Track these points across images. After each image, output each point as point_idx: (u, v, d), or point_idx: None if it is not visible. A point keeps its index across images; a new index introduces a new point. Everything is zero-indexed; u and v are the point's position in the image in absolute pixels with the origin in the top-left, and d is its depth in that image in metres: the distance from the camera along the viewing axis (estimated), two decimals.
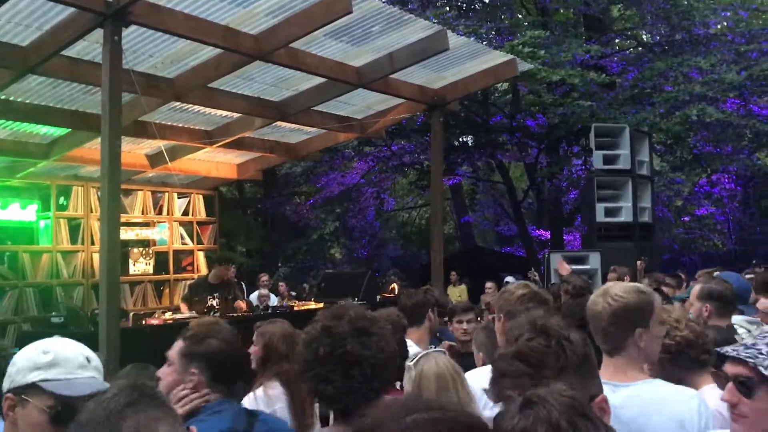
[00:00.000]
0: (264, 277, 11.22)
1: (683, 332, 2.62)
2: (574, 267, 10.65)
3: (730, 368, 1.76)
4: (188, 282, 9.50)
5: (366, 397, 1.78)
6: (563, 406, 1.15)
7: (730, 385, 1.76)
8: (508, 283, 10.17)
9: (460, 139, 17.10)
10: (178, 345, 2.41)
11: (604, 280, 10.20)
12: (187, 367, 2.33)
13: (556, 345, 1.49)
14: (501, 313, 2.84)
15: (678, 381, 2.27)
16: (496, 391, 1.58)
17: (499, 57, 8.25)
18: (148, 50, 6.60)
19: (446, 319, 4.59)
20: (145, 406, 1.44)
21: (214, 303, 7.39)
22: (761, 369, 1.65)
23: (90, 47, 6.32)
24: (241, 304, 7.94)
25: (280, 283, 12.10)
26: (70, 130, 8.38)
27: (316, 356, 1.80)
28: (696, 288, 3.90)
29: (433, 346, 3.40)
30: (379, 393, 1.82)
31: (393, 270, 15.55)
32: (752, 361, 1.68)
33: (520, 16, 17.33)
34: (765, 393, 1.67)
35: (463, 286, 13.19)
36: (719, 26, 16.11)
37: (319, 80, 7.73)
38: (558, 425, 1.12)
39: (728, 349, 1.77)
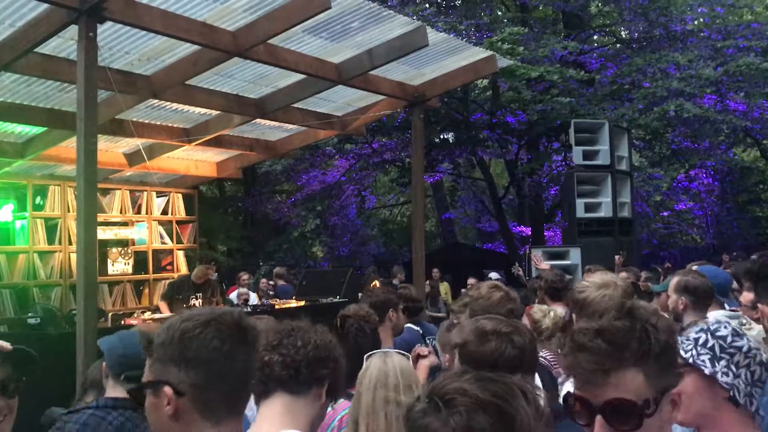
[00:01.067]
0: (244, 276, 11.16)
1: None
2: (555, 262, 10.71)
3: None
4: (169, 281, 9.42)
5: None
6: (479, 384, 1.15)
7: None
8: (492, 279, 10.20)
9: (441, 136, 17.12)
10: None
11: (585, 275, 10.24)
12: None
13: (641, 329, 1.43)
14: (467, 309, 2.80)
15: None
16: (569, 364, 1.53)
17: (479, 53, 8.25)
18: (124, 47, 6.52)
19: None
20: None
21: (197, 303, 7.34)
22: (682, 353, 1.73)
23: (65, 44, 6.22)
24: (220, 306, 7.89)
25: (262, 280, 12.02)
26: (45, 128, 8.26)
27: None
28: (674, 280, 3.91)
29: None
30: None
31: (371, 267, 15.52)
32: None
33: (499, 13, 17.39)
34: (688, 377, 1.72)
35: (446, 284, 13.20)
36: (696, 22, 16.29)
37: (299, 77, 7.68)
38: (489, 403, 1.12)
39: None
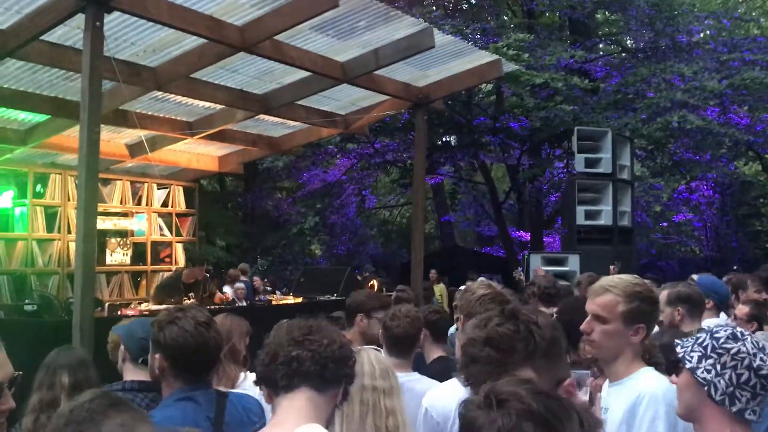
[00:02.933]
0: (241, 267, 11.18)
1: None
2: (553, 269, 10.72)
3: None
4: (156, 284, 9.35)
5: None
6: (536, 395, 1.17)
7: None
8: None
9: (444, 139, 17.14)
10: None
11: None
12: (154, 353, 2.42)
13: (525, 330, 1.50)
14: (461, 313, 2.81)
15: None
16: (465, 375, 1.61)
17: (485, 57, 8.25)
18: (130, 38, 6.51)
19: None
20: (126, 409, 1.52)
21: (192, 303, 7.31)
22: (678, 349, 1.89)
23: (71, 32, 6.21)
24: (221, 297, 7.89)
25: (255, 278, 12.05)
26: (49, 116, 8.25)
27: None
28: (663, 294, 3.89)
29: None
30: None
31: (366, 266, 15.52)
32: (679, 343, 1.92)
33: (506, 18, 17.40)
34: (682, 372, 1.88)
35: (442, 285, 13.21)
36: (702, 34, 16.29)
37: (304, 74, 7.68)
38: (540, 415, 1.14)
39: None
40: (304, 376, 1.83)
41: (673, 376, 1.94)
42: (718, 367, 1.80)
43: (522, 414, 1.14)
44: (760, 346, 1.84)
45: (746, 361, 1.80)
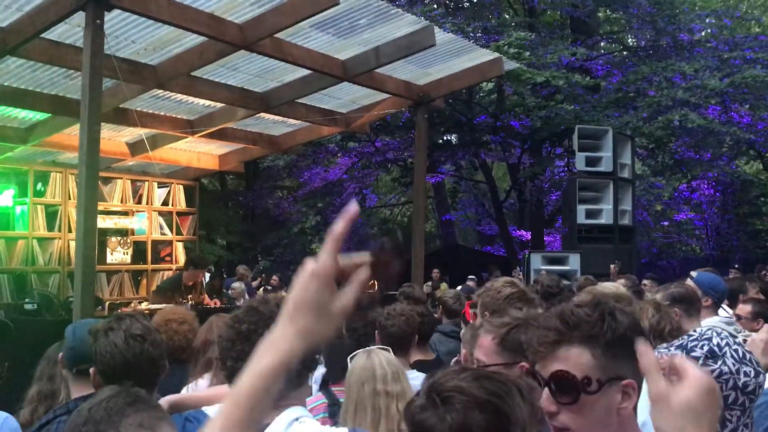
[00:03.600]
0: (241, 269, 11.17)
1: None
2: (554, 268, 10.70)
3: None
4: (153, 289, 9.33)
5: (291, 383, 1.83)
6: (475, 382, 1.20)
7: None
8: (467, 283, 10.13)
9: (444, 137, 17.12)
10: None
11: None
12: (91, 365, 2.28)
13: (598, 315, 1.48)
14: (486, 311, 2.80)
15: None
16: (528, 340, 1.62)
17: (485, 55, 8.24)
18: (130, 36, 6.51)
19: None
20: (145, 407, 1.51)
21: (188, 305, 7.30)
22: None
23: (71, 30, 6.21)
24: (208, 302, 7.88)
25: (273, 277, 11.99)
26: (49, 114, 8.25)
27: (238, 334, 1.84)
28: (657, 297, 3.88)
29: None
30: (304, 380, 1.89)
31: None
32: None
33: (507, 17, 17.38)
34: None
35: (445, 285, 13.20)
36: (704, 33, 16.27)
37: (304, 72, 7.67)
38: (484, 401, 1.17)
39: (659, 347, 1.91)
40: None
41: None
42: None
43: (468, 405, 1.16)
44: (740, 356, 1.75)
45: (730, 382, 1.71)
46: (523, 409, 1.18)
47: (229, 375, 1.87)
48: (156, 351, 2.29)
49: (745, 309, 4.34)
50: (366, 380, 2.51)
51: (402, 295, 4.75)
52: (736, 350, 1.76)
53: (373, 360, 2.54)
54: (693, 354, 1.75)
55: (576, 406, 1.36)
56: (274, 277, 12.27)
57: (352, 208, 1.01)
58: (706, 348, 1.75)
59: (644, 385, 2.10)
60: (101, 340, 2.22)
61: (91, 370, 2.24)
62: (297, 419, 1.76)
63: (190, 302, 7.23)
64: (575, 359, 1.42)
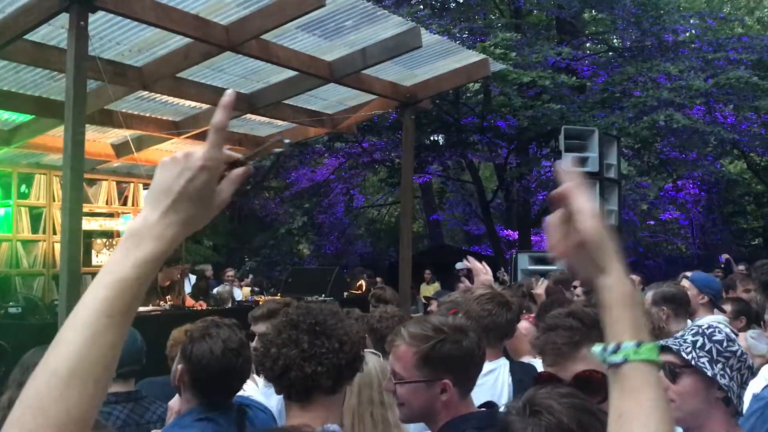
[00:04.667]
0: (229, 272, 11.13)
1: None
2: (541, 267, 10.73)
3: (662, 356, 1.85)
4: None
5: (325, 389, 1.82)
6: (570, 409, 1.24)
7: (660, 372, 1.83)
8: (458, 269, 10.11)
9: (431, 138, 17.14)
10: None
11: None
12: (179, 362, 2.32)
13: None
14: (461, 311, 2.80)
15: None
16: (543, 342, 1.67)
17: (472, 56, 8.25)
18: (115, 37, 6.46)
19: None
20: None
21: (167, 306, 7.24)
22: (683, 354, 1.83)
23: (55, 32, 6.16)
24: (190, 302, 7.82)
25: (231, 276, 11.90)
26: (33, 116, 8.18)
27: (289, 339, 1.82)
28: (648, 295, 3.92)
29: None
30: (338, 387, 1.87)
31: (359, 268, 15.49)
32: (676, 348, 1.85)
33: (493, 17, 17.43)
34: (687, 378, 1.83)
35: (437, 284, 13.22)
36: (688, 33, 16.39)
37: (291, 73, 7.65)
38: (569, 429, 1.21)
39: (663, 341, 1.93)
40: (321, 389, 1.82)
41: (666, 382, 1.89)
42: (728, 370, 1.81)
43: (551, 427, 1.21)
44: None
45: (747, 362, 1.85)
46: None
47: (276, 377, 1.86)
48: (246, 366, 2.34)
49: (726, 308, 4.40)
50: (363, 386, 2.47)
51: (373, 297, 4.74)
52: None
53: (369, 365, 2.50)
54: (715, 338, 1.85)
55: (605, 404, 1.40)
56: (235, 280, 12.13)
57: (229, 96, 1.02)
58: (723, 333, 1.88)
59: None
60: (199, 346, 2.26)
61: (179, 367, 2.29)
62: None
63: (168, 304, 7.18)
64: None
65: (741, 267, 10.07)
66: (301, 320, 1.86)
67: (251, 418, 2.41)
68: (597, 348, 1.01)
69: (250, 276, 11.47)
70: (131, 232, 0.92)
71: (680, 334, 1.95)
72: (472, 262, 3.48)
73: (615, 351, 0.99)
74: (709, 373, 1.80)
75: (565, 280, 6.11)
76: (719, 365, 1.81)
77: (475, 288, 2.88)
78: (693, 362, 1.82)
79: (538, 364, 2.56)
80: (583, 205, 1.02)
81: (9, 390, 2.93)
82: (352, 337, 1.86)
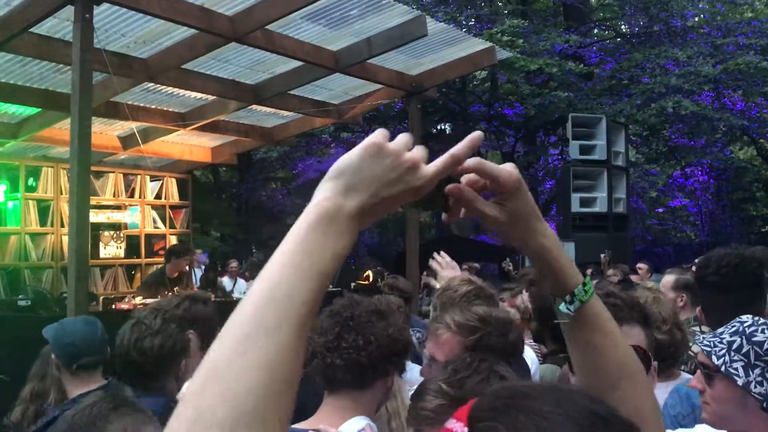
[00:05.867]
0: (233, 264, 11.14)
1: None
2: None
3: (699, 355, 1.80)
4: (141, 281, 9.27)
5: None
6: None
7: (698, 372, 1.80)
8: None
9: (438, 127, 17.09)
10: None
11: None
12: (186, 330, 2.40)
13: (633, 302, 1.64)
14: (443, 311, 2.75)
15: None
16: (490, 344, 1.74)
17: (478, 44, 8.20)
18: (120, 29, 6.45)
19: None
20: (130, 411, 1.50)
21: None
22: (714, 359, 1.69)
23: (60, 25, 6.16)
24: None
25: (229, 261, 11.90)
26: (40, 109, 8.20)
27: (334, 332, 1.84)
28: (670, 279, 3.89)
29: None
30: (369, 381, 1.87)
31: (367, 258, 15.49)
32: (708, 350, 1.72)
33: (500, 4, 17.31)
34: (720, 382, 1.70)
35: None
36: (696, 18, 16.24)
37: (296, 64, 7.62)
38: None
39: (699, 336, 1.82)
40: (341, 381, 1.82)
41: (695, 380, 1.80)
42: None
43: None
44: None
45: None
46: None
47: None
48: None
49: None
50: None
51: (387, 287, 4.71)
52: None
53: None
54: (755, 339, 1.70)
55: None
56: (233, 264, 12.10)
57: (477, 134, 0.94)
58: (767, 332, 1.71)
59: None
60: (198, 306, 2.38)
61: (192, 334, 2.35)
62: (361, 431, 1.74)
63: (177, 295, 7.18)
64: (636, 337, 1.55)
65: None
66: (340, 311, 1.87)
67: None
68: (560, 305, 1.06)
69: (232, 263, 11.35)
70: (327, 215, 0.81)
71: (719, 330, 1.79)
72: (439, 259, 3.49)
73: (572, 300, 1.05)
74: (740, 382, 1.66)
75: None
76: (756, 371, 1.66)
77: (456, 285, 2.79)
78: (724, 369, 1.68)
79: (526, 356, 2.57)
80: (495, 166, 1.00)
81: (31, 383, 2.95)
82: (380, 339, 1.83)
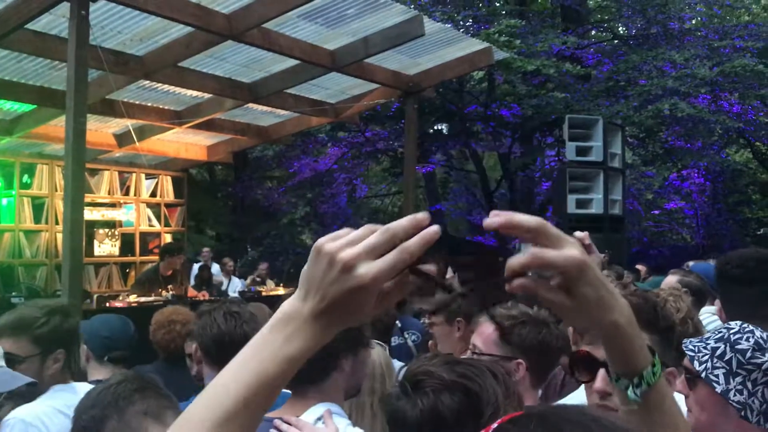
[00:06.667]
0: (229, 263, 11.12)
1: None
2: None
3: (684, 360, 1.78)
4: (135, 279, 9.27)
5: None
6: (445, 366, 1.22)
7: (683, 376, 1.79)
8: None
9: (435, 127, 17.07)
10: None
11: None
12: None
13: (650, 305, 1.57)
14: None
15: None
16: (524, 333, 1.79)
17: (475, 45, 8.20)
18: (116, 26, 6.43)
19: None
20: (153, 394, 1.53)
21: (169, 296, 7.24)
22: (696, 364, 1.69)
23: (56, 21, 6.14)
24: (195, 294, 7.82)
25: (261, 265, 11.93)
26: (35, 106, 8.17)
27: None
28: (672, 279, 3.91)
29: None
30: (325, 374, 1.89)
31: None
32: (692, 354, 1.71)
33: (497, 4, 17.31)
34: (702, 388, 1.70)
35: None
36: (694, 21, 16.26)
37: (293, 62, 7.61)
38: (455, 383, 1.19)
39: (686, 341, 1.79)
40: (300, 381, 1.83)
41: (679, 384, 1.77)
42: (750, 385, 1.65)
43: (437, 388, 1.18)
44: None
45: None
46: (496, 390, 1.18)
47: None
48: (249, 328, 2.38)
49: (718, 303, 4.40)
50: (367, 376, 2.47)
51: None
52: None
53: (372, 357, 2.50)
54: (738, 346, 1.68)
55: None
56: (262, 266, 12.17)
57: (431, 231, 0.88)
58: (752, 340, 1.69)
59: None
60: (204, 318, 2.39)
61: (194, 346, 2.45)
62: (320, 418, 1.75)
63: (170, 293, 7.18)
64: None
65: None
66: None
67: None
68: (627, 389, 0.98)
69: (261, 265, 11.43)
70: (284, 317, 0.86)
71: (706, 335, 1.79)
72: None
73: (639, 383, 0.98)
74: (719, 389, 1.65)
75: None
76: (738, 379, 1.65)
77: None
78: (704, 374, 1.67)
79: None
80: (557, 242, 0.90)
81: None
82: None
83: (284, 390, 2.64)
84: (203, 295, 7.88)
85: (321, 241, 0.87)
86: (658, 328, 1.46)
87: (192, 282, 9.05)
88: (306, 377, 1.84)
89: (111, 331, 3.00)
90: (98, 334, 2.96)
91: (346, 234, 0.88)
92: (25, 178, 9.49)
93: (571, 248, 0.90)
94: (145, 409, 1.45)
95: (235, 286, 10.23)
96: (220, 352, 2.30)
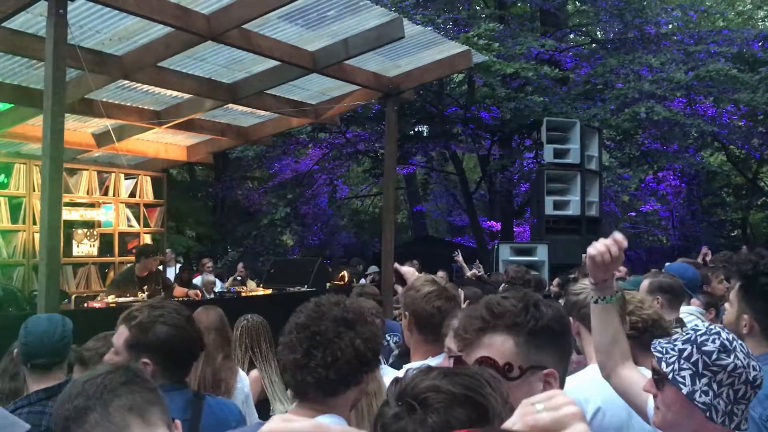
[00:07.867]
0: (208, 263, 11.10)
1: (648, 311, 2.68)
2: (522, 258, 10.81)
3: (653, 361, 1.82)
4: (111, 280, 9.23)
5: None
6: (447, 378, 1.17)
7: (650, 376, 1.84)
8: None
9: (415, 129, 17.14)
10: (124, 334, 2.32)
11: (552, 271, 10.38)
12: (138, 358, 2.27)
13: (522, 306, 1.52)
14: (407, 311, 2.78)
15: (635, 361, 2.23)
16: (457, 329, 1.66)
17: (455, 48, 8.26)
18: (95, 26, 6.40)
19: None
20: (140, 388, 1.48)
21: (145, 296, 7.24)
22: (663, 365, 1.73)
23: (34, 20, 6.09)
24: (180, 291, 7.81)
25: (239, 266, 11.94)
26: (12, 105, 8.09)
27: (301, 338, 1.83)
28: (645, 282, 4.01)
29: None
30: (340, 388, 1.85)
31: (356, 258, 15.52)
32: (659, 356, 1.75)
33: (477, 8, 17.43)
34: (668, 388, 1.74)
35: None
36: (670, 26, 16.49)
37: (273, 63, 7.62)
38: (462, 396, 1.13)
39: (655, 342, 1.83)
40: (313, 395, 1.83)
41: (647, 384, 1.82)
42: (715, 386, 1.67)
43: (448, 403, 1.12)
44: (747, 350, 1.74)
45: (743, 376, 1.68)
46: (497, 399, 1.16)
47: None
48: (189, 338, 2.37)
49: (696, 302, 4.51)
50: None
51: (356, 295, 4.78)
52: (741, 344, 1.74)
53: None
54: (705, 348, 1.71)
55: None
56: (240, 267, 12.19)
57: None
58: (717, 342, 1.72)
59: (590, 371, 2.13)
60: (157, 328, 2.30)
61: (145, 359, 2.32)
62: None
63: (145, 294, 7.17)
64: (498, 346, 1.47)
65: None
66: (307, 324, 1.84)
67: (211, 404, 2.41)
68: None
69: (239, 265, 11.44)
70: None
71: (675, 336, 1.82)
72: (400, 268, 3.64)
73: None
74: (685, 390, 1.68)
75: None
76: (703, 380, 1.68)
77: (419, 285, 2.82)
78: (671, 376, 1.71)
79: None
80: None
81: (0, 380, 2.94)
82: (347, 354, 1.82)
83: (258, 421, 2.67)
84: (196, 294, 7.86)
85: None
86: (526, 329, 1.46)
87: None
88: (328, 388, 1.82)
89: (29, 335, 2.74)
90: (20, 339, 2.74)
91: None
92: (2, 177, 9.39)
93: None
94: (130, 404, 1.41)
95: (217, 287, 10.21)
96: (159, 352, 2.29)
